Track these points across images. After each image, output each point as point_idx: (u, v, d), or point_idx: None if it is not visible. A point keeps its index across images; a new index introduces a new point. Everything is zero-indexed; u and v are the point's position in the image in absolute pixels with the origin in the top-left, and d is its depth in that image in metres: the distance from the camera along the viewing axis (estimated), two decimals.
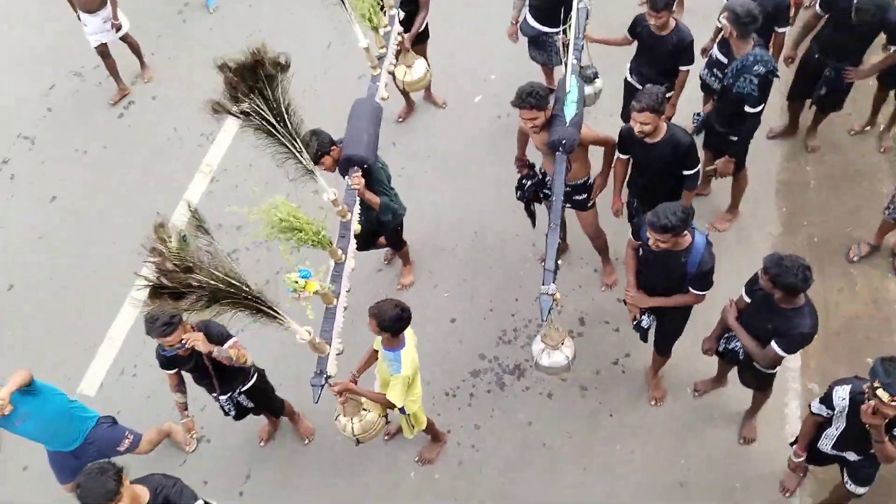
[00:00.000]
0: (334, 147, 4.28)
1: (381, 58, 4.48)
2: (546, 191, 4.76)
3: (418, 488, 4.67)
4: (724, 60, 4.80)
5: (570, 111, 4.16)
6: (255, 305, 2.95)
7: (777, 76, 4.60)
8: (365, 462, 4.74)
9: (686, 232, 3.75)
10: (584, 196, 4.75)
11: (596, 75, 5.08)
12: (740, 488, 4.47)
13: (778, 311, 3.63)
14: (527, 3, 5.71)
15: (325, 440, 4.82)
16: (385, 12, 4.54)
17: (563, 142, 4.05)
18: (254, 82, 3.04)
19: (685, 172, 4.38)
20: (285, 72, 3.12)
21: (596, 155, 4.65)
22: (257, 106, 3.09)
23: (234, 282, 2.82)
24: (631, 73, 5.35)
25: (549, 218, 3.99)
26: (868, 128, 5.95)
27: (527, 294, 5.35)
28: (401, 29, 4.67)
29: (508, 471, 4.68)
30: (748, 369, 4.17)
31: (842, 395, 3.44)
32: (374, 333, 3.85)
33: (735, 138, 4.87)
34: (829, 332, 4.95)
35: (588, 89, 5.22)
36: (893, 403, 3.03)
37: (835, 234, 5.47)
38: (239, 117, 3.15)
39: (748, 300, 3.89)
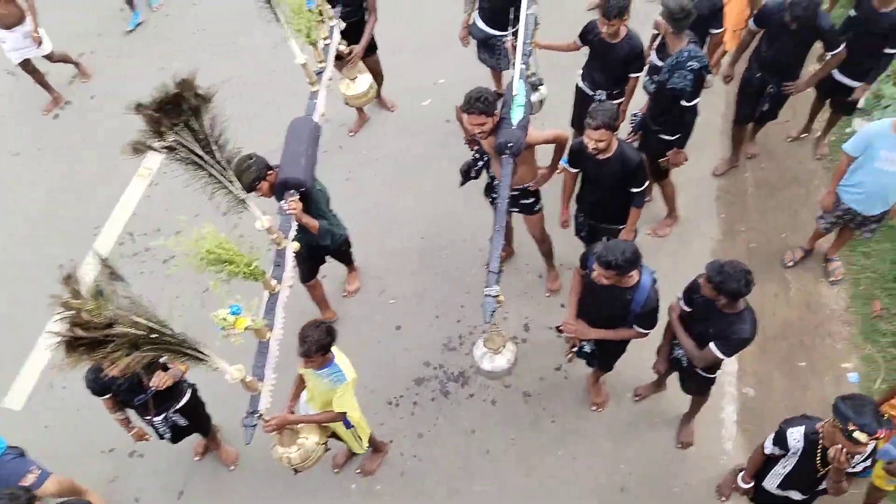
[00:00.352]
0: (271, 171, 4.10)
1: (320, 73, 4.35)
2: (494, 194, 4.75)
3: (361, 501, 4.61)
4: (662, 65, 4.87)
5: (516, 114, 4.15)
6: (179, 349, 2.82)
7: (710, 72, 4.75)
8: (305, 476, 4.63)
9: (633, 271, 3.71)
10: (532, 200, 4.77)
11: (540, 83, 5.09)
12: (679, 493, 4.52)
13: (719, 315, 3.67)
14: (477, 5, 5.71)
15: (262, 455, 4.70)
16: (325, 22, 4.44)
17: (510, 144, 4.05)
18: (177, 115, 2.92)
19: (633, 189, 4.41)
20: (208, 103, 2.99)
21: (545, 160, 4.66)
22: (183, 139, 2.96)
23: (155, 327, 2.70)
24: (583, 79, 5.39)
25: (493, 220, 3.97)
26: (804, 135, 6.11)
27: (473, 300, 5.33)
28: (341, 40, 4.57)
29: (452, 480, 4.65)
30: (690, 376, 4.22)
31: (797, 437, 3.42)
32: (307, 367, 3.75)
33: (668, 137, 4.96)
34: (766, 336, 5.05)
35: (532, 97, 5.23)
36: (871, 443, 3.01)
37: (772, 239, 5.60)
38: (163, 152, 3.01)
39: (687, 308, 3.94)
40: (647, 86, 5.17)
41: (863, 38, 5.06)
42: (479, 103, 4.02)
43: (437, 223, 5.87)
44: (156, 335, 2.70)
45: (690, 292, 3.88)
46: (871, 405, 3.07)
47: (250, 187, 3.93)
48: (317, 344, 3.54)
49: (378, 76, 6.17)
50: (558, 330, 4.27)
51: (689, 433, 4.63)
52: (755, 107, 5.51)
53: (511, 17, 5.34)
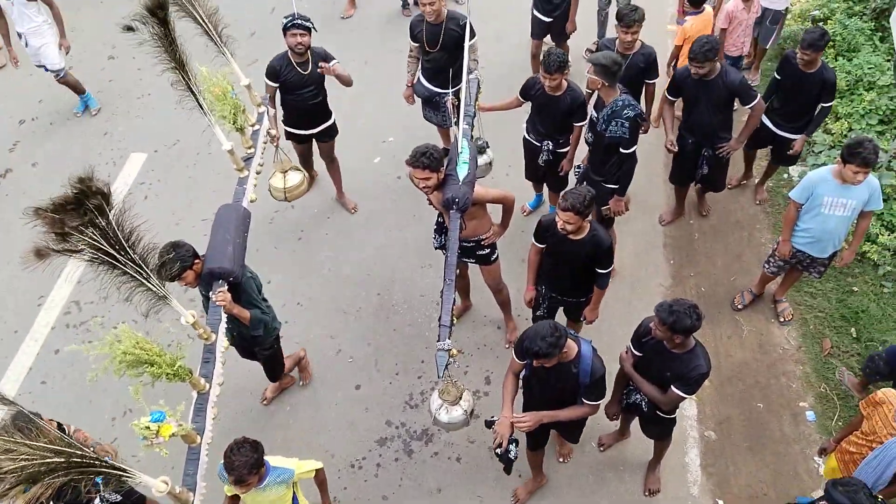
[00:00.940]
0: (197, 260, 3.87)
1: (248, 159, 4.22)
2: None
3: None
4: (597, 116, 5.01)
5: (462, 171, 4.23)
6: (92, 470, 2.52)
7: (645, 119, 4.95)
8: None
9: (570, 342, 3.63)
10: (488, 251, 4.80)
11: (486, 146, 5.21)
12: None
13: (672, 357, 3.71)
14: (420, 65, 5.84)
15: None
16: (257, 109, 4.42)
17: (457, 200, 4.11)
18: (80, 216, 2.75)
19: (599, 271, 4.38)
20: (109, 200, 2.82)
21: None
22: (92, 239, 2.77)
23: (61, 449, 2.43)
24: (528, 132, 5.55)
25: (444, 274, 3.97)
26: (744, 181, 6.35)
27: (433, 355, 5.24)
28: (270, 126, 4.49)
29: None
30: (651, 420, 4.22)
31: None
32: (244, 491, 3.42)
33: (612, 186, 5.09)
34: (722, 378, 5.14)
35: (482, 159, 5.33)
36: None
37: (720, 282, 5.74)
38: (70, 255, 2.80)
39: (639, 354, 3.97)
40: (587, 139, 5.33)
41: (796, 97, 5.32)
42: (425, 158, 4.12)
43: (392, 279, 5.85)
44: (62, 458, 2.41)
45: (640, 337, 3.91)
46: (864, 489, 3.12)
47: (175, 277, 3.73)
48: (247, 466, 3.24)
49: (334, 165, 6.08)
50: (487, 425, 4.02)
51: (655, 480, 4.62)
52: (693, 170, 5.66)
53: (452, 75, 5.51)
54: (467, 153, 4.29)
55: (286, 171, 4.89)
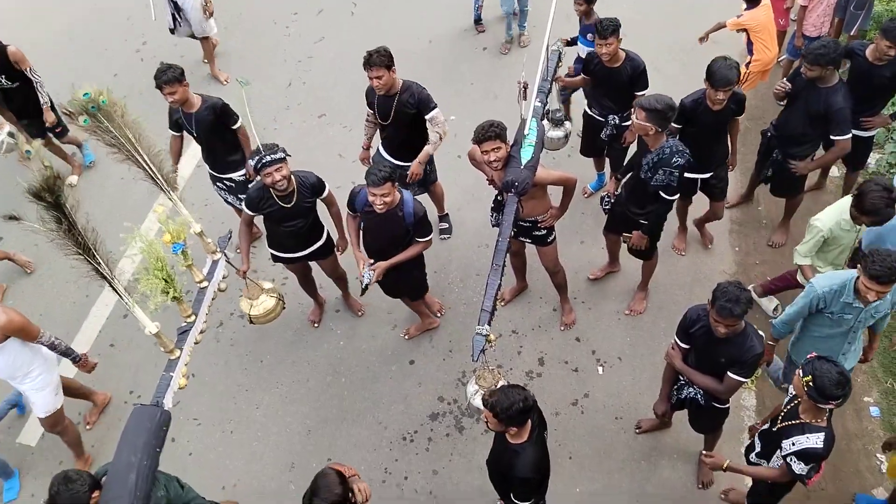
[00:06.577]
0: (95, 494, 3.20)
1: (184, 332, 3.68)
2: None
3: None
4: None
5: (526, 154, 4.20)
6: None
7: (692, 161, 4.38)
8: None
9: (395, 192, 4.16)
10: (544, 232, 4.77)
11: (564, 118, 5.15)
12: None
13: (726, 342, 3.63)
14: (379, 133, 5.39)
15: None
16: (211, 257, 4.03)
17: (516, 183, 4.08)
18: None
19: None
20: None
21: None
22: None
23: None
24: (590, 107, 5.49)
25: (493, 257, 3.93)
26: (817, 189, 6.04)
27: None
28: (226, 274, 4.06)
29: None
30: (705, 412, 4.10)
31: None
32: None
33: (643, 222, 4.74)
34: None
35: (558, 132, 5.27)
36: None
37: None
38: None
39: (686, 346, 3.89)
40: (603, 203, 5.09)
41: (863, 92, 4.97)
42: (494, 128, 4.11)
43: (449, 257, 5.88)
44: None
45: (686, 329, 3.83)
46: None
47: None
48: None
49: (342, 283, 5.48)
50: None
51: (708, 472, 4.53)
52: (761, 165, 5.43)
53: (414, 147, 5.18)
54: (534, 136, 4.23)
55: (255, 298, 4.41)
